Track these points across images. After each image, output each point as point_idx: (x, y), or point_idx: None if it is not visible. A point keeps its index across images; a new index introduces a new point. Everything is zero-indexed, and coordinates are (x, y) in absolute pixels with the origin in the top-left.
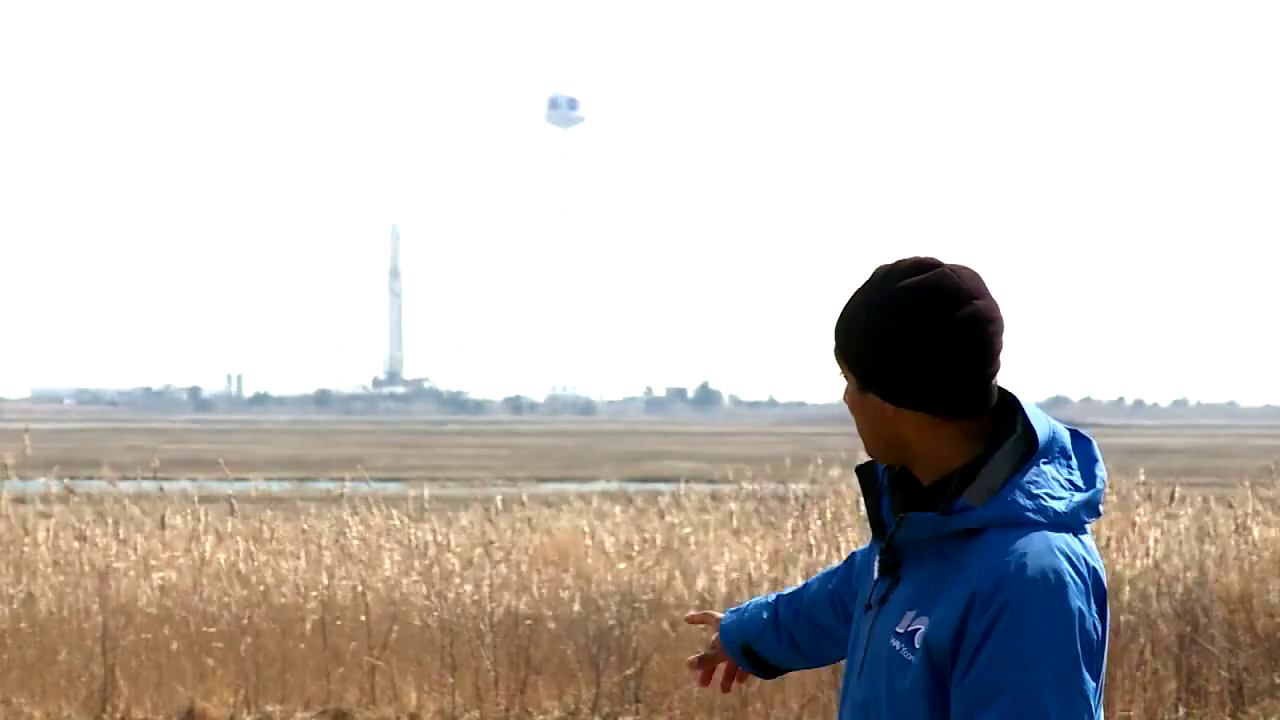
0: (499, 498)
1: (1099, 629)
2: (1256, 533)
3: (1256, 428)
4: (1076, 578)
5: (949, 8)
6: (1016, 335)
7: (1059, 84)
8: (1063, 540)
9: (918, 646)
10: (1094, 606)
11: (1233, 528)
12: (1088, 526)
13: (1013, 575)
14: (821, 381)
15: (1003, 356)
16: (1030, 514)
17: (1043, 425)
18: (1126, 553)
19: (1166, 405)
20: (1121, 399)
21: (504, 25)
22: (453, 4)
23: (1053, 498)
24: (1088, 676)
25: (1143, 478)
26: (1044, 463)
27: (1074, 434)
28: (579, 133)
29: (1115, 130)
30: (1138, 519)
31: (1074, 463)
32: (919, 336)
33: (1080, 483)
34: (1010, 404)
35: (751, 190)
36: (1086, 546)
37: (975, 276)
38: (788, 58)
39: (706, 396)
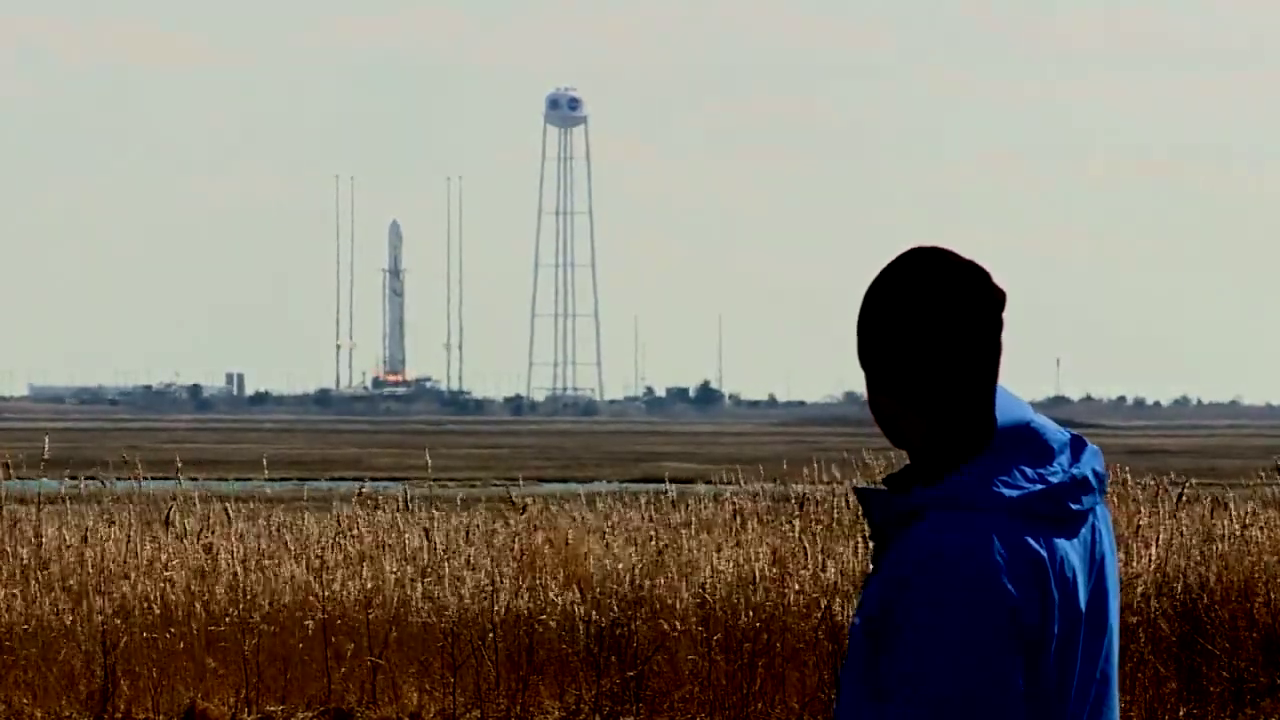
0: (500, 498)
1: (1032, 616)
2: (1257, 533)
3: (1258, 427)
4: (1007, 562)
5: (943, 6)
6: (1017, 335)
7: (1058, 80)
8: (1003, 525)
9: (858, 624)
10: (1032, 594)
11: (1233, 529)
12: (1062, 515)
13: (929, 558)
14: (822, 381)
15: (968, 348)
16: (969, 497)
17: (1011, 415)
18: (1129, 553)
19: (1168, 405)
20: (1122, 399)
21: (504, 25)
22: (452, 4)
23: (1007, 485)
24: (1005, 664)
25: (1146, 479)
26: (1005, 451)
27: (1075, 439)
28: (579, 133)
29: (1115, 128)
30: (1140, 520)
31: (1061, 460)
32: (874, 323)
33: (1052, 478)
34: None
35: (752, 190)
36: (1040, 535)
37: (947, 268)
38: (789, 57)
39: (707, 396)
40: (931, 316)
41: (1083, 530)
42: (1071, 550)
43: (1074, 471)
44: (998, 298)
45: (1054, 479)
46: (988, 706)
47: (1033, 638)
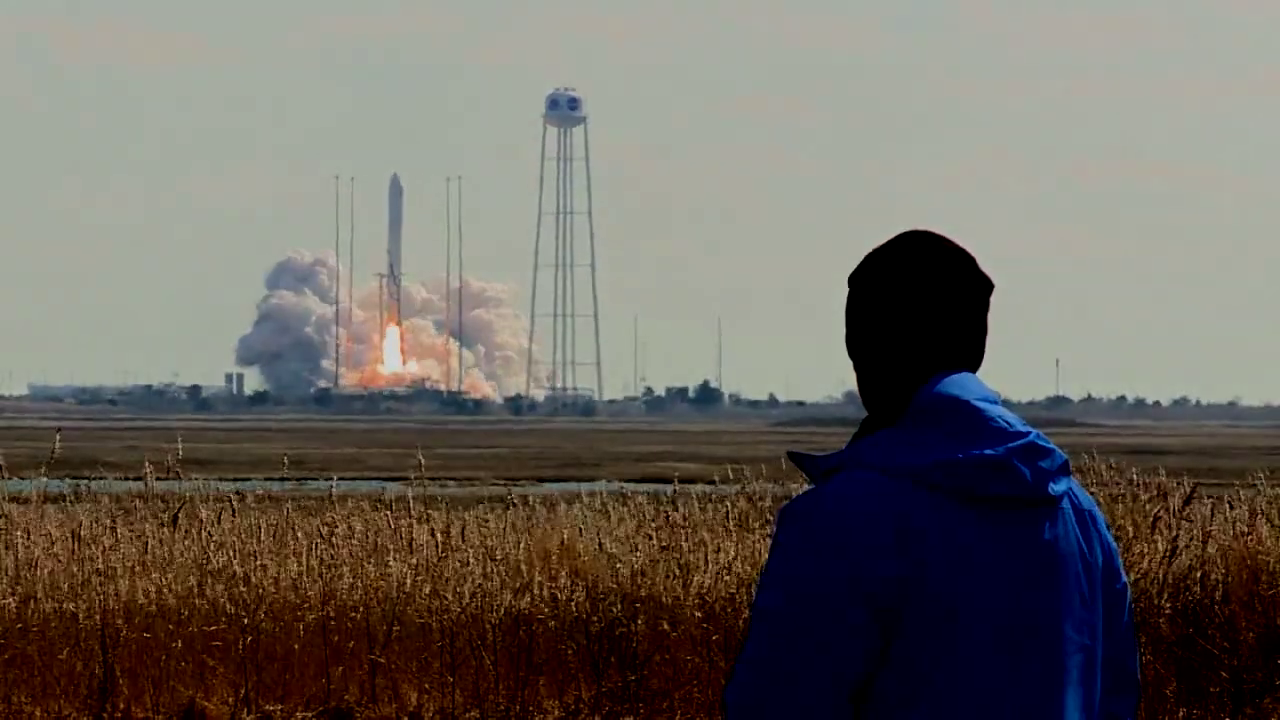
0: (499, 497)
1: (880, 575)
2: (1257, 533)
3: (1257, 427)
4: (869, 522)
5: (943, 6)
6: (1017, 334)
7: (1058, 80)
8: (889, 488)
9: None
10: (890, 560)
11: (1234, 529)
12: (968, 492)
13: (802, 504)
14: (822, 381)
15: (951, 328)
16: (869, 459)
17: (948, 390)
18: (1129, 553)
19: (1168, 405)
20: (1122, 398)
21: (504, 25)
22: (452, 4)
23: (904, 451)
24: (829, 611)
25: (1146, 478)
26: (925, 422)
27: (1029, 433)
28: (579, 133)
29: (1115, 127)
30: (1142, 522)
31: (1002, 447)
32: (863, 299)
33: (958, 454)
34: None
35: (752, 190)
36: (938, 507)
37: (935, 250)
38: (789, 57)
39: (707, 396)
40: (919, 293)
41: (1022, 522)
42: (986, 534)
43: (983, 454)
44: (983, 282)
45: (959, 455)
46: (809, 643)
47: (883, 596)
